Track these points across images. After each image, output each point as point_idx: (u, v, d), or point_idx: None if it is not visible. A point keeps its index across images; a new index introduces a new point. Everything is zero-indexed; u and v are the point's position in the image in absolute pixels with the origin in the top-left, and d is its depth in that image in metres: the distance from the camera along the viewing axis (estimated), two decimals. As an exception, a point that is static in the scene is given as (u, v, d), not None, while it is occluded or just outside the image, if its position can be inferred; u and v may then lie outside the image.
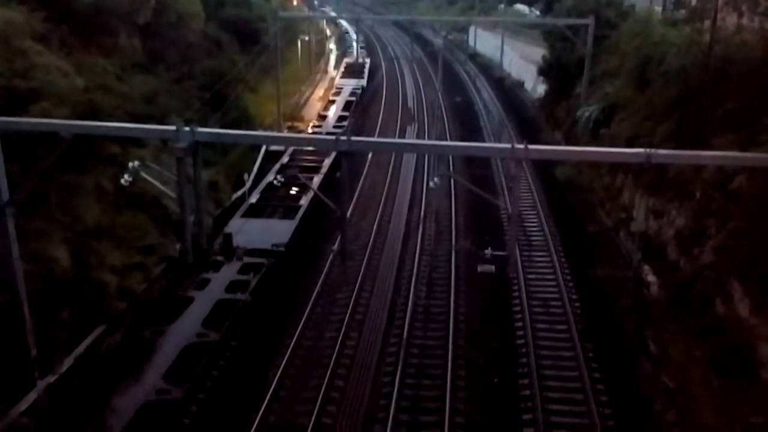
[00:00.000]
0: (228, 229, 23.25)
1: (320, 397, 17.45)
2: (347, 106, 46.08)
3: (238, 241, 21.80)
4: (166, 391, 15.36)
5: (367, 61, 65.74)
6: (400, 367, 18.87)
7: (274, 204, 26.99)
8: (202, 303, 18.97)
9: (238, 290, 19.72)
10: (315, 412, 16.88)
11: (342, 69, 61.86)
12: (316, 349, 19.94)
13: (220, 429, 16.35)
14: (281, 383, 18.10)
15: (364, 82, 55.30)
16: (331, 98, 49.37)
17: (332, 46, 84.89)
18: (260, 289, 20.24)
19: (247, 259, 20.94)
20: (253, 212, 25.95)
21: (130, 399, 15.13)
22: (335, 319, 21.51)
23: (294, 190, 28.21)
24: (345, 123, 41.59)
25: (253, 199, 27.22)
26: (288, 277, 22.56)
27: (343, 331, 20.60)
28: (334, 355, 19.30)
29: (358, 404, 17.62)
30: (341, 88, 51.54)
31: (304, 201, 26.90)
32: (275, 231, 23.64)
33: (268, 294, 20.74)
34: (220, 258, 21.34)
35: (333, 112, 44.87)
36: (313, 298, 22.42)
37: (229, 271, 20.70)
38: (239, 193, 30.08)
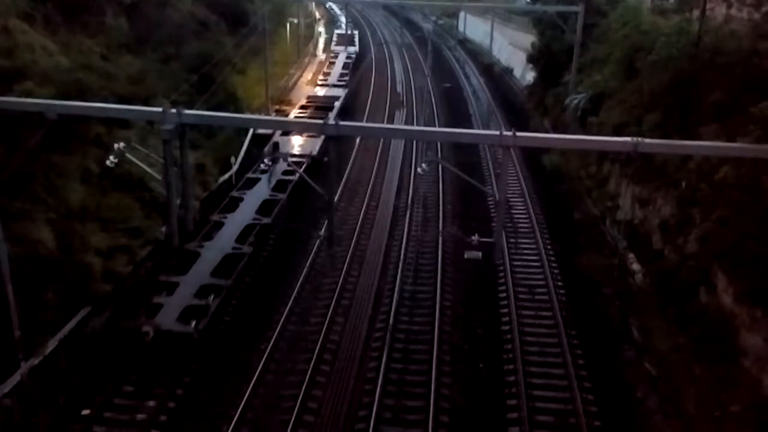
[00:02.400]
0: (275, 140, 33.14)
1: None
2: (346, 66, 55.91)
3: (283, 149, 31.72)
4: (258, 219, 24.94)
5: (356, 32, 75.86)
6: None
7: None
8: (267, 180, 28.80)
9: (289, 174, 28.89)
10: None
11: (335, 39, 72.43)
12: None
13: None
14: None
15: (356, 48, 66.11)
16: (330, 60, 59.35)
17: (321, 29, 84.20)
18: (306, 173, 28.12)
19: (291, 159, 29.38)
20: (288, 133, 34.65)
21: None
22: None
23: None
24: (346, 78, 50.37)
25: None
26: (321, 171, 28.51)
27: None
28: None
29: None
30: (337, 54, 61.23)
31: None
32: (309, 144, 33.15)
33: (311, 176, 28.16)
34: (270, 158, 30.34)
35: (335, 70, 53.57)
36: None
37: (282, 165, 29.67)
38: (226, 176, 29.96)
